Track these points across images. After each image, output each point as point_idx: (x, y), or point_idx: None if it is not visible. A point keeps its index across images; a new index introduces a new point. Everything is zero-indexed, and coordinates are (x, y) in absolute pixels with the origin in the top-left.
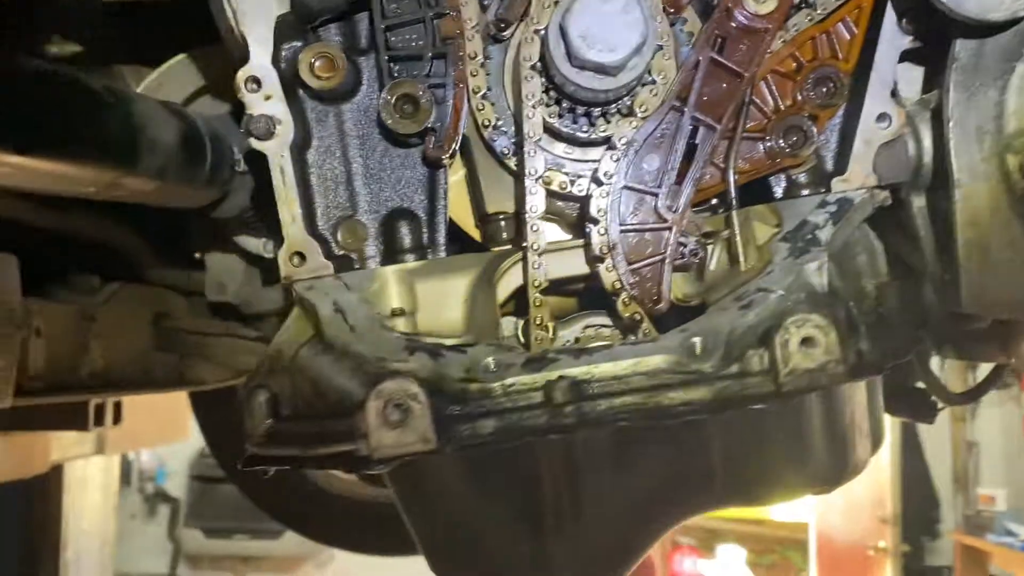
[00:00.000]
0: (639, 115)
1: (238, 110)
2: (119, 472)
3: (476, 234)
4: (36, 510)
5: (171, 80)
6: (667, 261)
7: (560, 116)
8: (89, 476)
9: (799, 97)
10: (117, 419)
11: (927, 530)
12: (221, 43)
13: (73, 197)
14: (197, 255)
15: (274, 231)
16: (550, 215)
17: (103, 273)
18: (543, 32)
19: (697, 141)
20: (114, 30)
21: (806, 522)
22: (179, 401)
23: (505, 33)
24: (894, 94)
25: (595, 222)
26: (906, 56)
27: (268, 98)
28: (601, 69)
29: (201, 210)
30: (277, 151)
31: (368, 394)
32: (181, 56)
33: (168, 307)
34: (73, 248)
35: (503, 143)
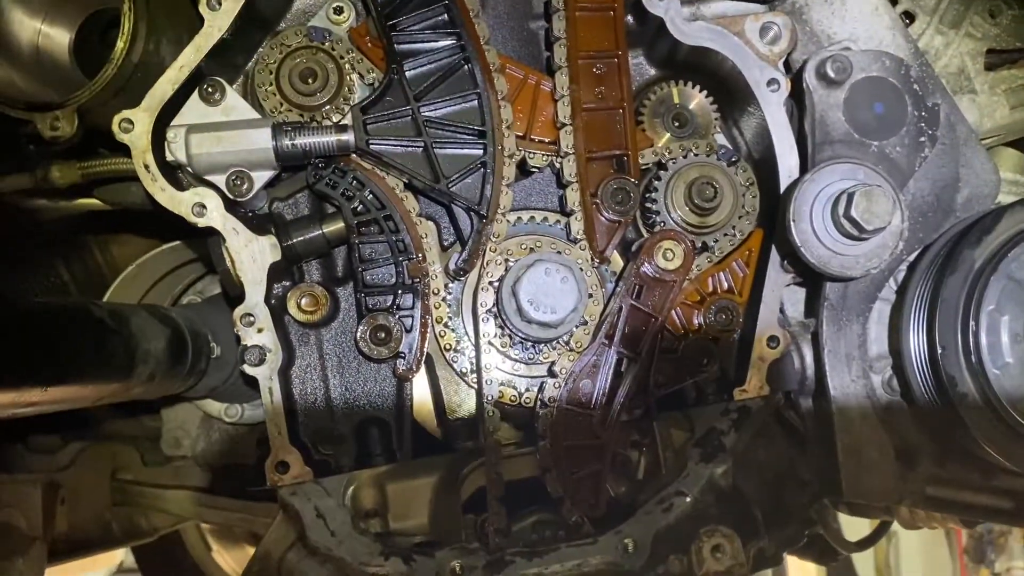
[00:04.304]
0: (575, 350)
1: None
2: None
3: (438, 434)
4: None
5: (148, 269)
6: (603, 472)
7: (511, 346)
8: None
9: (704, 323)
10: None
11: None
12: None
13: None
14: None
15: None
16: (503, 421)
17: (57, 428)
18: (497, 285)
19: (622, 370)
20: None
21: None
22: None
23: (463, 276)
24: (782, 311)
25: (543, 438)
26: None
27: (260, 331)
28: (545, 324)
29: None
30: (267, 375)
31: None
32: (155, 251)
33: (122, 461)
34: None
35: (462, 363)
